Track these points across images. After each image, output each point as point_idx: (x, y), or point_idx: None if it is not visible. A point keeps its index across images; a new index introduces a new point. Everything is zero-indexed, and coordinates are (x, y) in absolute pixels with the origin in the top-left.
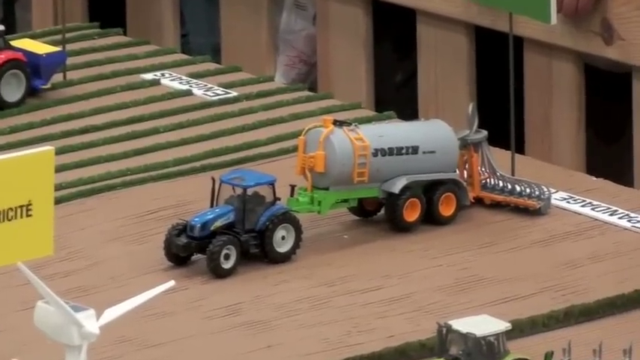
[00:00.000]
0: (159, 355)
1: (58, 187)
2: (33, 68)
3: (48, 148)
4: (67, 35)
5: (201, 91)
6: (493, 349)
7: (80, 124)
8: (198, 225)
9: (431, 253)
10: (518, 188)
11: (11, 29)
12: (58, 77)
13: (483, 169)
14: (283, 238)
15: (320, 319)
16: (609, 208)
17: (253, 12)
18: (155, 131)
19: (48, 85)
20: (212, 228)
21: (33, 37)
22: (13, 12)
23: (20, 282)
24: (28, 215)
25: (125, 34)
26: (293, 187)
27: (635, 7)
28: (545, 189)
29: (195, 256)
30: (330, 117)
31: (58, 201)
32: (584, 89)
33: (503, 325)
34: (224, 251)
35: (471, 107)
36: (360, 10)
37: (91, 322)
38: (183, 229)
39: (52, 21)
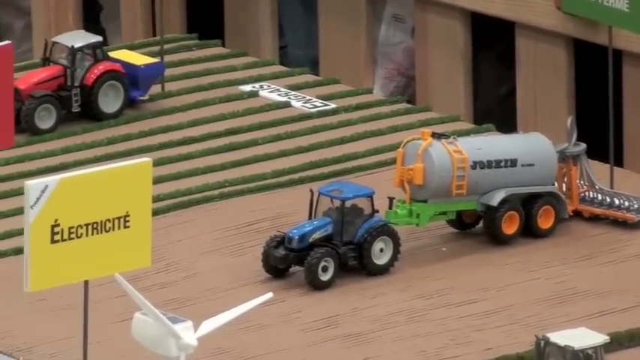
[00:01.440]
0: None
1: (156, 199)
2: (131, 79)
3: (145, 159)
4: (166, 47)
5: (299, 103)
6: None
7: (178, 135)
8: (297, 237)
9: (529, 266)
10: (617, 201)
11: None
12: (156, 88)
13: (582, 182)
14: (381, 250)
15: (417, 332)
16: None
17: (352, 24)
18: (253, 143)
19: (146, 97)
20: (310, 240)
21: (131, 48)
22: (98, 22)
23: (117, 294)
24: (125, 227)
25: (224, 45)
26: (391, 199)
27: None
28: None
29: (293, 268)
30: (428, 129)
31: (156, 212)
32: None
33: (601, 339)
34: (322, 263)
35: (570, 120)
36: (458, 23)
37: (188, 333)
38: (281, 241)
39: (143, 32)
